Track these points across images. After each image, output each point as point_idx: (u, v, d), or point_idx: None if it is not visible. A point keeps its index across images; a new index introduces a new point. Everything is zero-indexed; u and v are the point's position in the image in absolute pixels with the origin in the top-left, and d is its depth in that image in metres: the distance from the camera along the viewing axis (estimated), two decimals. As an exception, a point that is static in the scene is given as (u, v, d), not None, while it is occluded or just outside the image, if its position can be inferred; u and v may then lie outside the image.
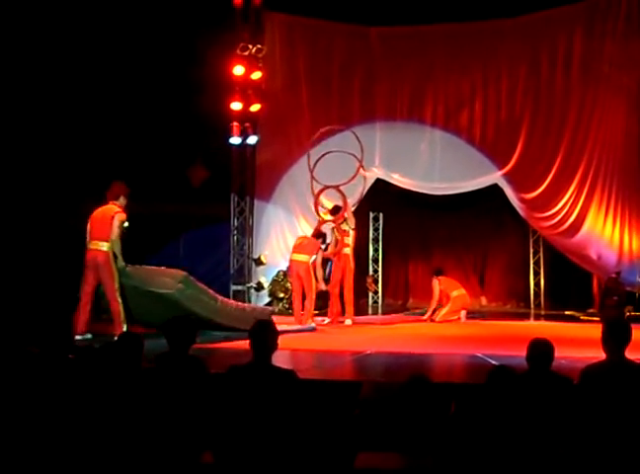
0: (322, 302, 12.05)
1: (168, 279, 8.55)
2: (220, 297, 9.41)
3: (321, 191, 11.94)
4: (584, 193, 13.10)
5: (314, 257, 11.22)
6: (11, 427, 4.31)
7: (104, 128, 12.14)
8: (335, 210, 11.78)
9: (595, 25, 12.98)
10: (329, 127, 12.76)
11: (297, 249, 11.36)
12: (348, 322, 11.56)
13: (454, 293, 12.56)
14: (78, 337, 8.19)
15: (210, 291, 9.16)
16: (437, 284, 12.64)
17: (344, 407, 5.45)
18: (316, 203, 11.90)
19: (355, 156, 11.95)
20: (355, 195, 13.78)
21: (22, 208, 11.19)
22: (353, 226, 11.88)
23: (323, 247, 11.65)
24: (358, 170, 11.91)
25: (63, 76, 11.56)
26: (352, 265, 11.76)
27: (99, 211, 8.79)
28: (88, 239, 8.71)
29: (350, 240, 11.78)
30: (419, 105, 13.88)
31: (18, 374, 4.66)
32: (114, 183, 8.98)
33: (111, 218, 8.64)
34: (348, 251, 11.72)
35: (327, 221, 11.74)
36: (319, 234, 11.56)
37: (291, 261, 11.39)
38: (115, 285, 8.62)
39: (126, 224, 8.79)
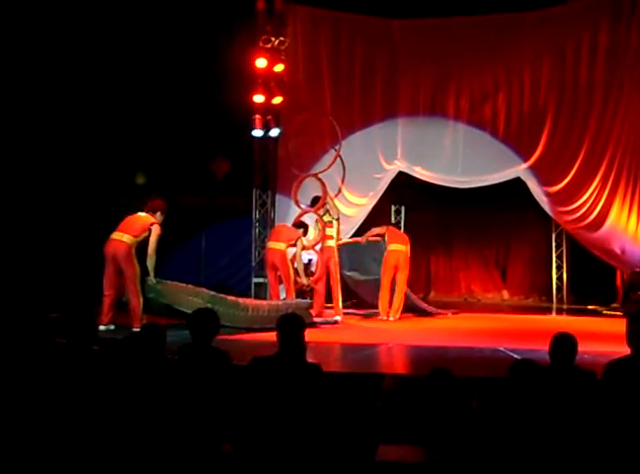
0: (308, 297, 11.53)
1: (196, 300, 8.59)
2: (252, 303, 9.51)
3: (300, 180, 11.70)
4: (608, 186, 12.98)
5: (295, 249, 10.79)
6: (37, 416, 4.36)
7: (129, 122, 12.20)
8: (314, 200, 11.27)
9: (621, 16, 12.84)
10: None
11: (273, 236, 11.00)
12: (337, 318, 10.90)
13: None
14: (101, 327, 8.26)
15: (240, 301, 9.28)
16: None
17: (365, 399, 5.46)
18: (295, 194, 11.67)
19: (333, 148, 11.79)
20: (377, 188, 13.86)
21: (49, 200, 11.28)
22: (336, 216, 11.26)
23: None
24: (335, 158, 11.67)
25: (88, 70, 11.62)
26: (336, 258, 11.20)
27: (135, 215, 8.92)
28: (114, 232, 8.79)
29: (333, 231, 11.14)
30: (442, 97, 13.79)
31: (43, 365, 4.72)
32: (157, 197, 9.18)
33: (148, 224, 8.74)
34: (331, 243, 11.14)
35: (307, 211, 11.28)
36: (300, 224, 11.08)
37: (267, 249, 10.96)
38: (136, 279, 8.65)
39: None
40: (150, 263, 8.66)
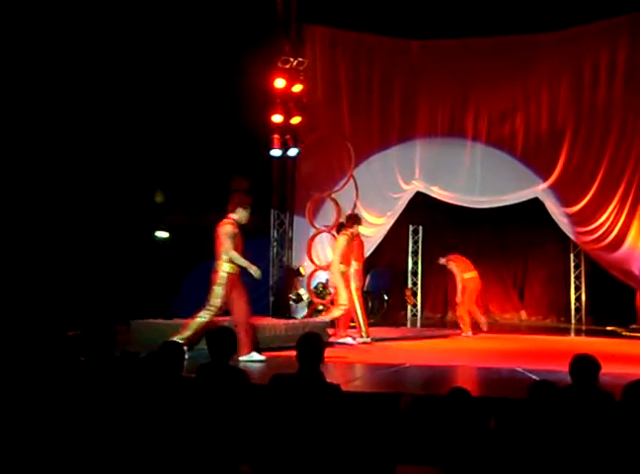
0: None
1: None
2: (269, 324, 9.64)
3: (314, 200, 11.74)
4: (626, 206, 12.95)
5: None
6: (56, 431, 4.39)
7: (150, 141, 12.30)
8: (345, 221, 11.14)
9: (639, 37, 12.85)
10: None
11: None
12: (359, 340, 10.68)
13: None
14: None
15: (256, 323, 9.33)
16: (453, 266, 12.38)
17: (383, 419, 5.45)
18: (309, 213, 11.66)
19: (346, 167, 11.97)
20: (394, 207, 13.89)
21: (70, 218, 11.36)
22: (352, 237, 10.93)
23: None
24: (348, 178, 11.73)
25: (110, 89, 11.74)
26: (350, 279, 10.65)
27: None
28: None
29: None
30: (460, 118, 13.85)
31: (63, 382, 4.75)
32: (233, 194, 8.64)
33: (217, 234, 8.30)
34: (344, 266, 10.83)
35: (321, 231, 11.35)
36: (349, 218, 10.78)
37: None
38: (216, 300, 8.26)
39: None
40: (234, 259, 8.30)
